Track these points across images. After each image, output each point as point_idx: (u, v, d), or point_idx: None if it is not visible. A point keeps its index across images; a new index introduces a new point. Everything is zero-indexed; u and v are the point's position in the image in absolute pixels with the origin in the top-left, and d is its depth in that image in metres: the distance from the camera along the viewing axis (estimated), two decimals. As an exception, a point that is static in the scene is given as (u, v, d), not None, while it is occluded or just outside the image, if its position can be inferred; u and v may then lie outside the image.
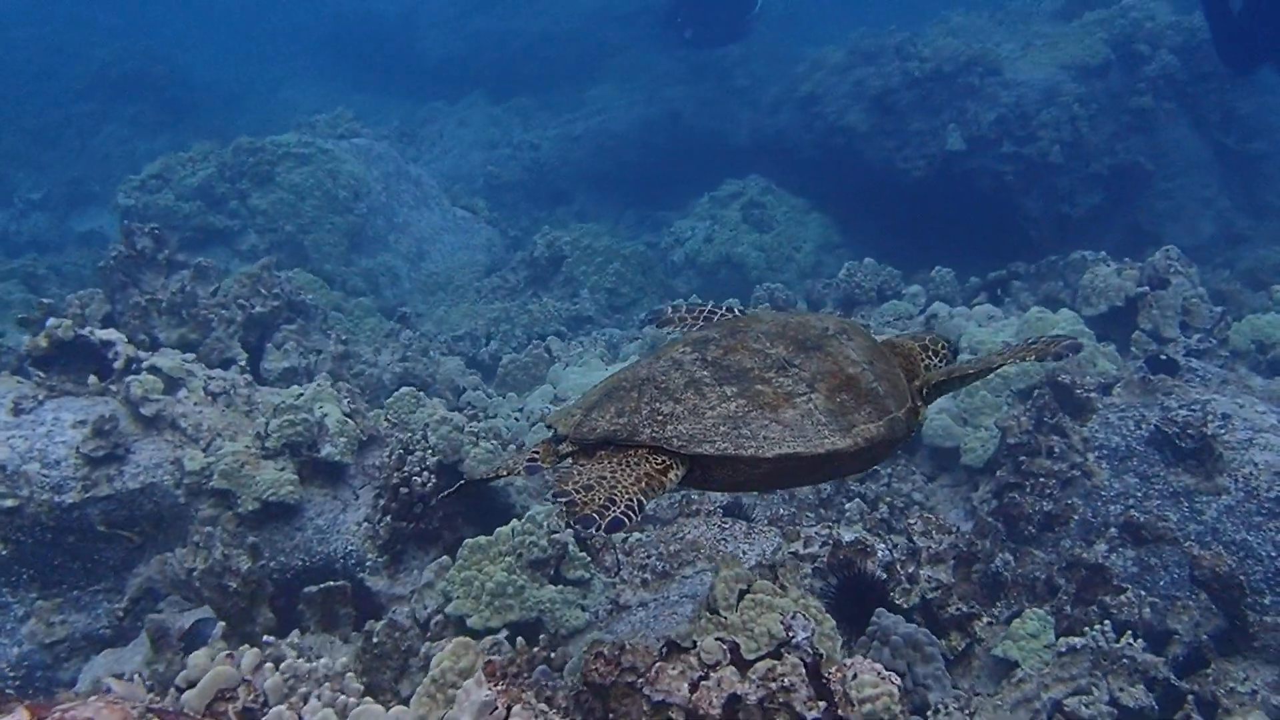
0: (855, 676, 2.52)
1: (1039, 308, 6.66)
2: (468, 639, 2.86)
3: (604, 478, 2.57)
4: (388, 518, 4.66)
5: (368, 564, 4.69)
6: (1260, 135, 15.87)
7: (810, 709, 2.43)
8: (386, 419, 5.13)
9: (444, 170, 18.99)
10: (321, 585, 4.21)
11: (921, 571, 4.17)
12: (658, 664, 2.48)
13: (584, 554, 4.37)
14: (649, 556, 4.46)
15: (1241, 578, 4.48)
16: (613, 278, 13.27)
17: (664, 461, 2.66)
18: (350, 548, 4.71)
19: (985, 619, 4.05)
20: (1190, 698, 4.09)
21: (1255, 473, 4.98)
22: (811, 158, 16.95)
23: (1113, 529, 4.95)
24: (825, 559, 4.28)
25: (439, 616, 4.16)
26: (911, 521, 4.46)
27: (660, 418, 2.69)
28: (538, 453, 2.92)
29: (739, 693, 2.44)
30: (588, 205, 19.95)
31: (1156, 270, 6.78)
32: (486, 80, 23.10)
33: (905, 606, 4.09)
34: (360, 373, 6.28)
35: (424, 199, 13.55)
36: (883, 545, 4.33)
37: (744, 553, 4.50)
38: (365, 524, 4.70)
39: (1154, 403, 5.44)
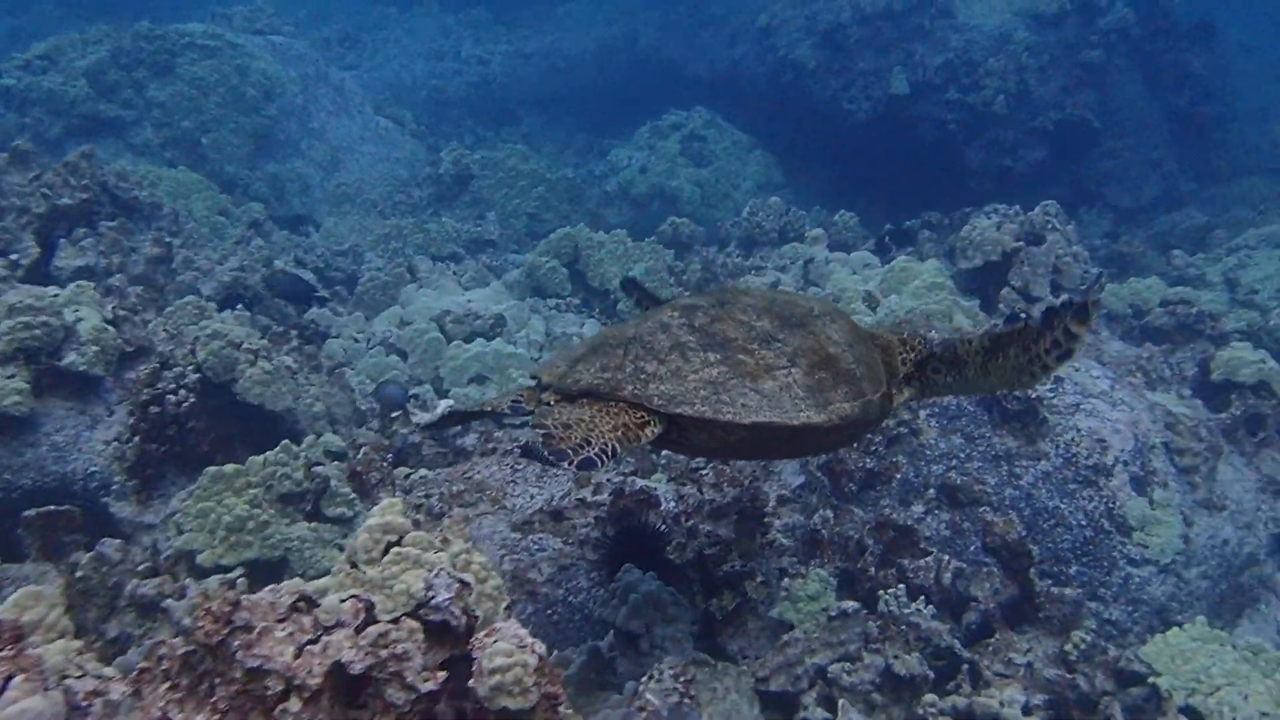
0: (495, 644, 2.26)
1: (906, 258, 6.35)
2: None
3: (583, 420, 2.64)
4: (136, 438, 4.30)
5: (113, 488, 4.32)
6: (1212, 98, 15.51)
7: (425, 680, 2.17)
8: (165, 329, 4.75)
9: (383, 80, 18.25)
10: (41, 509, 3.87)
11: (703, 526, 3.93)
12: (264, 625, 2.19)
13: (349, 489, 4.08)
14: (427, 496, 4.19)
15: (1032, 546, 4.30)
16: (535, 202, 12.84)
17: (643, 417, 2.72)
18: (93, 469, 4.33)
19: (759, 577, 3.82)
20: (965, 667, 3.92)
21: (1076, 439, 4.75)
22: (761, 93, 16.41)
23: (931, 490, 4.75)
24: (606, 508, 4.03)
25: (170, 550, 3.87)
26: (704, 472, 4.21)
27: (644, 376, 2.76)
28: (521, 395, 2.99)
29: (344, 660, 2.17)
30: (536, 127, 19.32)
31: (1034, 226, 6.48)
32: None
33: (678, 562, 3.85)
34: (185, 281, 5.87)
35: (345, 106, 12.95)
36: (670, 496, 4.08)
37: (531, 497, 4.24)
38: (114, 444, 4.35)
39: None
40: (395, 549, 2.45)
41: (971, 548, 4.60)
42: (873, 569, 4.39)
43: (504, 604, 2.53)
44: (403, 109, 14.46)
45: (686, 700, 3.00)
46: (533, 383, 3.02)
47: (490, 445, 4.52)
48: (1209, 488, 4.96)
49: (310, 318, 6.22)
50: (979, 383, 3.04)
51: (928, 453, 4.87)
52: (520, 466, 4.37)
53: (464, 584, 2.37)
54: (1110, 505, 4.67)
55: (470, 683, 2.20)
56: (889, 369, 3.16)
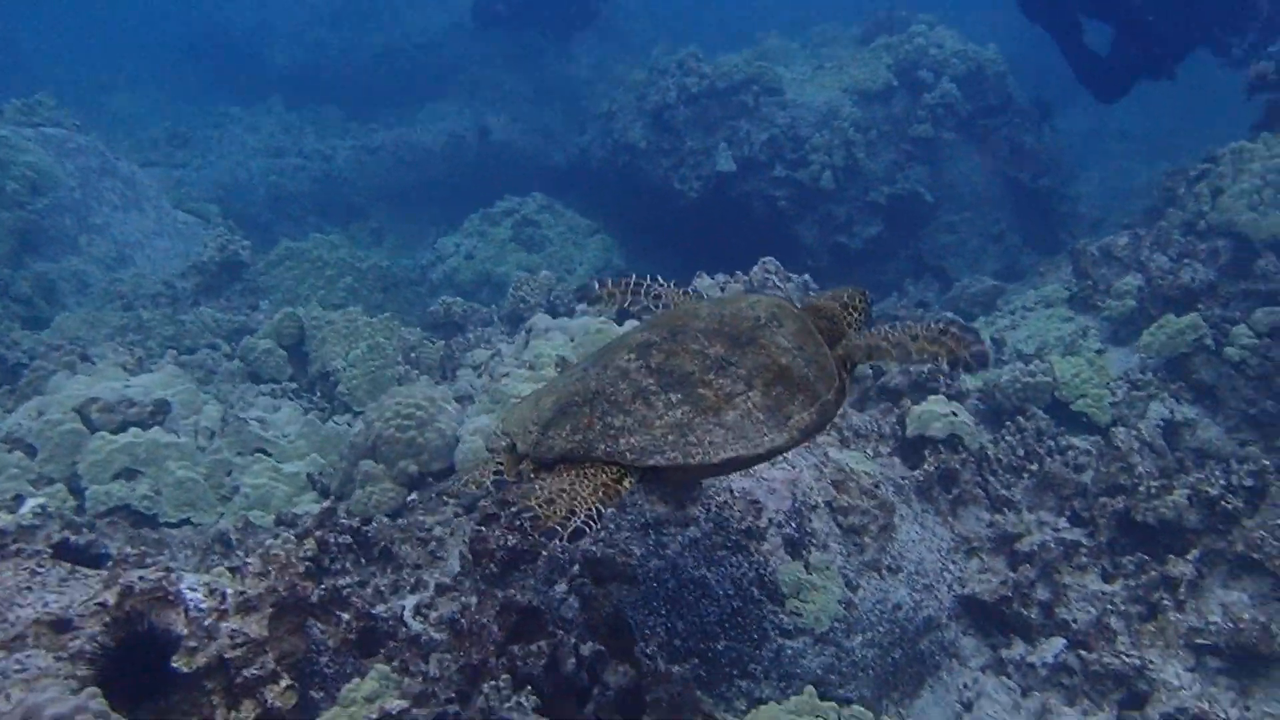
0: None
1: (602, 321, 6.27)
2: None
3: (564, 490, 2.88)
4: None
5: None
6: (1049, 171, 16.17)
7: None
8: None
9: (214, 177, 18.12)
10: None
11: (224, 624, 3.58)
12: None
13: None
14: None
15: (629, 620, 4.07)
16: (342, 293, 12.66)
17: (619, 471, 2.94)
18: None
19: (284, 683, 3.48)
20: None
21: (730, 501, 4.58)
22: (604, 177, 16.71)
23: (576, 566, 4.52)
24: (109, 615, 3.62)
25: None
26: (249, 561, 3.88)
27: (612, 432, 2.97)
28: (502, 464, 3.21)
29: None
30: (387, 222, 19.33)
31: (752, 284, 6.50)
32: (335, 94, 22.40)
33: (186, 670, 3.47)
34: None
35: (135, 200, 12.72)
36: (198, 589, 3.71)
37: (46, 604, 3.84)
38: None
39: None
40: None
41: (608, 627, 4.35)
42: (491, 659, 4.11)
43: None
44: (208, 204, 14.29)
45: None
46: (506, 446, 3.24)
47: (14, 546, 4.10)
48: (881, 548, 4.81)
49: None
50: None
51: (574, 525, 4.65)
52: (43, 569, 3.99)
53: None
54: (761, 572, 4.47)
55: None
56: (837, 335, 3.47)
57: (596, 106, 18.29)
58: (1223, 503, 4.84)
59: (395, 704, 3.55)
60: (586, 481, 2.91)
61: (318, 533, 4.36)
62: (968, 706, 4.76)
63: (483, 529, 4.55)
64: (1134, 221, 9.63)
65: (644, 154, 15.06)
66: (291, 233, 16.91)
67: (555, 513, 2.81)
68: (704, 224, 14.38)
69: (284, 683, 3.45)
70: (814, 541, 4.63)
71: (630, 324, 6.23)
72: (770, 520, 4.59)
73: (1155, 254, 8.09)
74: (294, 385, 7.20)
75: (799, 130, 14.13)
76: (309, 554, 4.19)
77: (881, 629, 4.67)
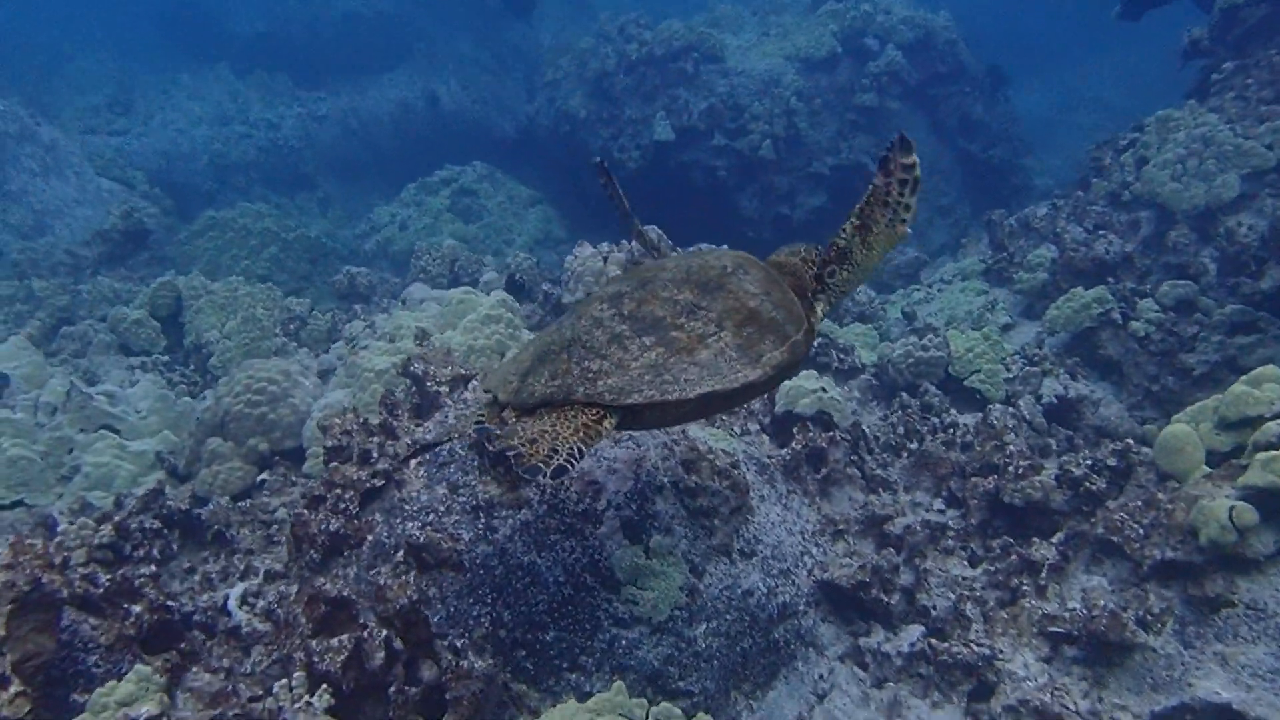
0: None
1: (464, 291, 5.98)
2: None
3: (546, 431, 2.93)
4: None
5: None
6: (1001, 142, 15.88)
7: None
8: None
9: (156, 146, 17.65)
10: None
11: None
12: None
13: None
14: None
15: (426, 613, 3.83)
16: (265, 264, 12.32)
17: (599, 412, 3.00)
18: None
19: (15, 688, 3.19)
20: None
21: (567, 482, 4.34)
22: (548, 147, 16.36)
23: (400, 551, 4.27)
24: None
25: None
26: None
27: (590, 375, 3.05)
28: (483, 414, 3.26)
29: None
30: (335, 192, 18.92)
31: (633, 254, 6.21)
32: (292, 62, 21.82)
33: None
34: None
35: (56, 167, 12.31)
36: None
37: None
38: None
39: None
40: None
41: (436, 617, 4.11)
42: (298, 653, 3.87)
43: None
44: (134, 170, 13.85)
45: None
46: (488, 401, 3.29)
47: None
48: (733, 531, 4.57)
49: None
50: (868, 260, 3.45)
51: (407, 507, 4.38)
52: None
53: None
54: (596, 557, 4.23)
55: None
56: (801, 290, 3.52)
57: (533, 67, 17.91)
58: (1086, 484, 4.62)
59: (145, 710, 3.28)
60: (567, 422, 2.96)
61: (117, 517, 4.08)
62: (821, 698, 4.55)
63: (305, 513, 4.29)
64: (1068, 193, 9.39)
65: (584, 123, 14.72)
66: (235, 202, 16.52)
67: (538, 451, 2.85)
68: (645, 194, 13.96)
69: (14, 689, 3.17)
70: (656, 525, 4.38)
71: (496, 294, 5.95)
72: (609, 502, 4.34)
73: (1071, 225, 7.85)
74: (165, 358, 6.89)
75: (739, 98, 13.78)
76: (105, 540, 3.92)
77: (729, 617, 4.44)
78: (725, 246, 8.07)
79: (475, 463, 4.46)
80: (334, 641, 3.81)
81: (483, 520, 4.30)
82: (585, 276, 6.13)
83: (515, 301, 5.92)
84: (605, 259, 6.19)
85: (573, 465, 2.83)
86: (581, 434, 2.92)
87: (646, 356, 3.08)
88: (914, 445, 5.48)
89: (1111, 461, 4.63)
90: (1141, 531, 4.27)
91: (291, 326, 7.01)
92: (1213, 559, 4.01)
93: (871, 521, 5.03)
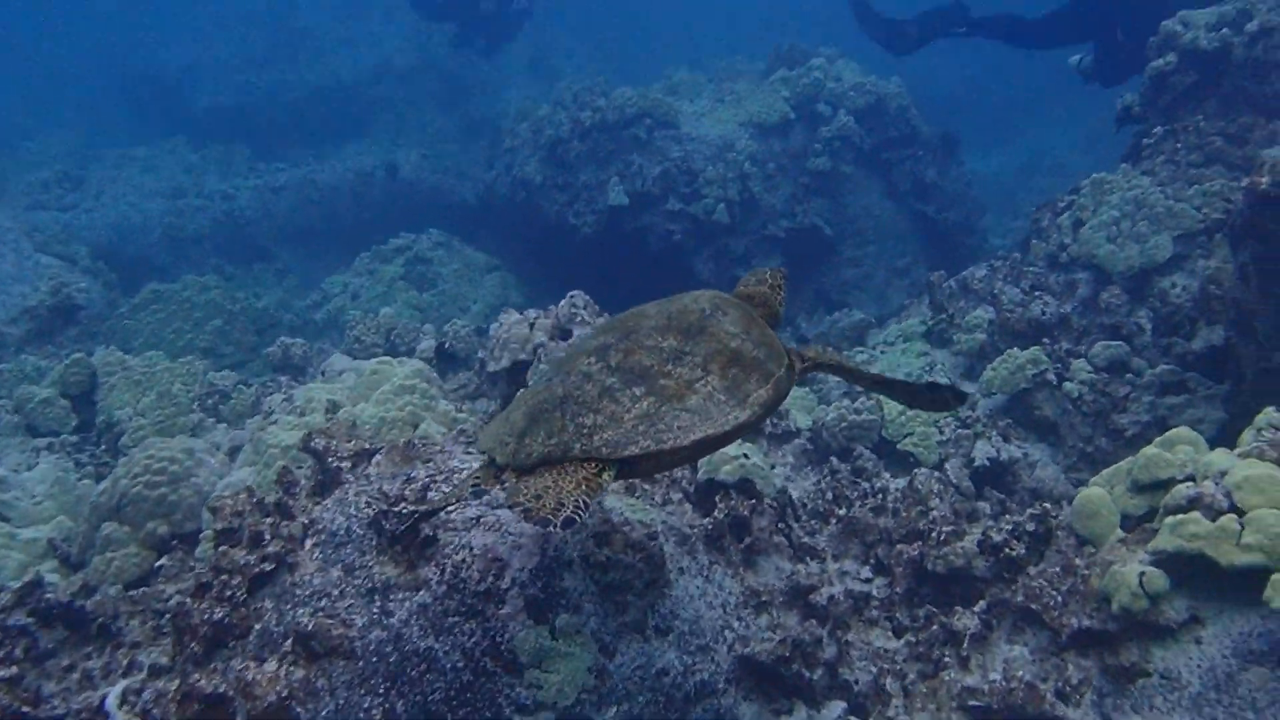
0: None
1: (379, 361, 5.91)
2: None
3: (549, 487, 3.01)
4: None
5: None
6: (955, 205, 16.14)
7: None
8: None
9: (106, 220, 17.66)
10: None
11: None
12: None
13: None
14: None
15: (299, 710, 3.70)
16: (209, 336, 12.24)
17: (598, 466, 3.10)
18: None
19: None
20: None
21: (468, 560, 4.21)
22: (505, 214, 16.48)
23: (289, 640, 4.14)
24: None
25: None
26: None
27: (586, 430, 3.13)
28: (479, 478, 3.38)
29: None
30: (292, 263, 18.89)
31: (559, 320, 6.20)
32: (255, 135, 21.97)
33: None
34: None
35: (-10, 241, 12.24)
36: None
37: None
38: None
39: (405, 472, 4.72)
40: None
41: (324, 711, 3.97)
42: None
43: None
44: (77, 245, 13.79)
45: None
46: (484, 463, 3.41)
47: None
48: (648, 607, 4.47)
49: None
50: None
51: (299, 592, 4.26)
52: None
53: None
54: (497, 639, 4.11)
55: None
56: (774, 318, 3.76)
57: (493, 136, 18.12)
58: (1006, 549, 4.57)
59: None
60: (568, 477, 3.04)
61: (-6, 611, 3.95)
62: (741, 779, 4.41)
63: (188, 601, 4.16)
64: (1008, 255, 9.50)
65: (540, 189, 14.85)
66: (190, 274, 16.46)
67: (544, 505, 2.92)
68: (600, 259, 14.12)
69: None
70: (564, 603, 4.28)
71: (411, 364, 5.88)
72: (513, 580, 4.23)
73: (1008, 286, 7.93)
74: (75, 439, 6.76)
75: (693, 163, 13.98)
76: (-28, 636, 3.78)
77: (642, 699, 4.32)
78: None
79: (374, 542, 4.36)
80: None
81: (378, 603, 4.18)
82: (511, 344, 6.10)
83: (433, 371, 5.86)
84: (532, 325, 6.17)
85: (580, 517, 2.91)
86: (584, 488, 3.01)
87: (639, 407, 3.16)
88: (842, 511, 5.42)
89: (1030, 526, 4.59)
90: (1060, 599, 4.21)
91: (210, 402, 6.90)
92: (1127, 626, 3.95)
93: (796, 592, 4.95)
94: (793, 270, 15.18)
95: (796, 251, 14.28)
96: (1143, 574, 3.86)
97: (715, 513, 5.07)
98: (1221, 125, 8.60)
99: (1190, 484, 4.04)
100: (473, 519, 4.38)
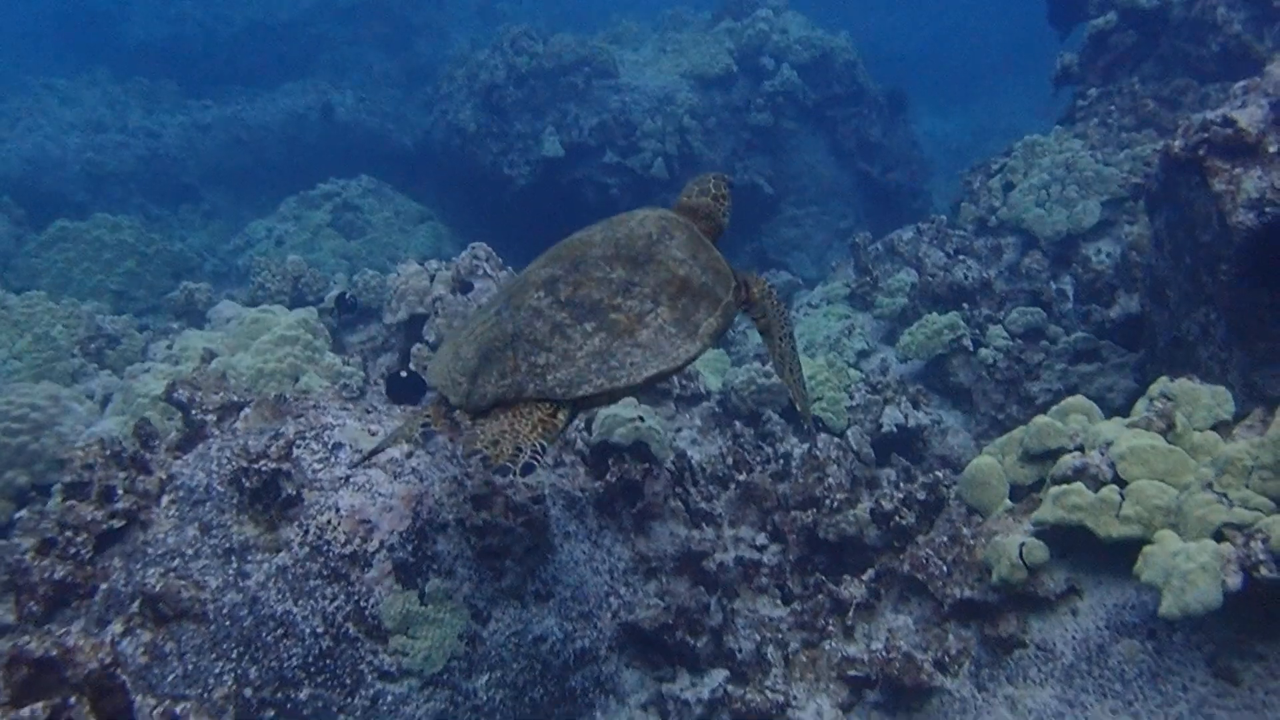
0: None
1: (261, 310, 5.67)
2: None
3: (505, 431, 3.03)
4: None
5: None
6: (900, 165, 16.05)
7: None
8: None
9: (20, 153, 16.90)
10: None
11: None
12: None
13: None
14: None
15: (124, 678, 3.53)
16: (120, 278, 11.80)
17: (552, 406, 3.13)
18: None
19: None
20: None
21: (334, 521, 4.05)
22: (440, 161, 16.09)
23: (136, 602, 3.96)
24: None
25: None
26: None
27: (539, 370, 3.15)
28: (429, 417, 3.44)
29: None
30: (221, 205, 18.31)
31: (460, 273, 5.99)
32: (188, 70, 21.04)
33: None
34: None
35: (-116, 175, 11.64)
36: None
37: None
38: None
39: (273, 428, 4.53)
40: None
41: (170, 677, 3.79)
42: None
43: None
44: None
45: None
46: (434, 399, 3.46)
47: None
48: (527, 572, 4.35)
49: None
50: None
51: (150, 550, 4.07)
52: None
53: None
54: (362, 604, 3.96)
55: None
56: (717, 230, 3.82)
57: (431, 78, 17.65)
58: (897, 518, 4.51)
59: None
60: (523, 419, 3.06)
61: None
62: (618, 748, 4.34)
63: (25, 559, 3.96)
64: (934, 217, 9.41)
65: (474, 137, 14.49)
66: (112, 212, 15.86)
67: (503, 452, 2.94)
68: (535, 211, 13.82)
69: None
70: (435, 567, 4.13)
71: (296, 313, 5.65)
72: (382, 543, 4.07)
73: (933, 249, 7.84)
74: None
75: (631, 115, 13.72)
76: None
77: (517, 665, 4.21)
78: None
79: (234, 500, 4.16)
80: (25, 712, 3.48)
81: (234, 565, 4.00)
82: (408, 296, 5.89)
83: (320, 321, 5.63)
84: (432, 278, 5.96)
85: (538, 461, 2.95)
86: (540, 430, 3.04)
87: (590, 344, 3.17)
88: (742, 477, 5.33)
89: (921, 495, 4.53)
90: (945, 569, 4.16)
91: (93, 346, 6.59)
92: (1007, 598, 3.91)
93: (687, 558, 4.86)
94: (732, 229, 15.03)
95: (736, 210, 13.62)
96: (1023, 545, 3.81)
97: (608, 476, 4.94)
98: (1155, 88, 8.56)
99: (1078, 454, 3.99)
100: (341, 478, 4.21)
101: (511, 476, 2.99)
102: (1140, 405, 4.20)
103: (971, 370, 6.76)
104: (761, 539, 5.13)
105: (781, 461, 5.47)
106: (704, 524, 5.18)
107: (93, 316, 6.87)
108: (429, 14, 23.30)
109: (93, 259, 11.78)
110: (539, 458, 2.95)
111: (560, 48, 13.99)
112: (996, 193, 8.53)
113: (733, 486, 5.36)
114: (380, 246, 14.30)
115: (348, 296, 6.66)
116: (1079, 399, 4.40)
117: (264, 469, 4.05)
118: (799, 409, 3.85)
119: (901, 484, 4.92)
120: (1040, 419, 4.29)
